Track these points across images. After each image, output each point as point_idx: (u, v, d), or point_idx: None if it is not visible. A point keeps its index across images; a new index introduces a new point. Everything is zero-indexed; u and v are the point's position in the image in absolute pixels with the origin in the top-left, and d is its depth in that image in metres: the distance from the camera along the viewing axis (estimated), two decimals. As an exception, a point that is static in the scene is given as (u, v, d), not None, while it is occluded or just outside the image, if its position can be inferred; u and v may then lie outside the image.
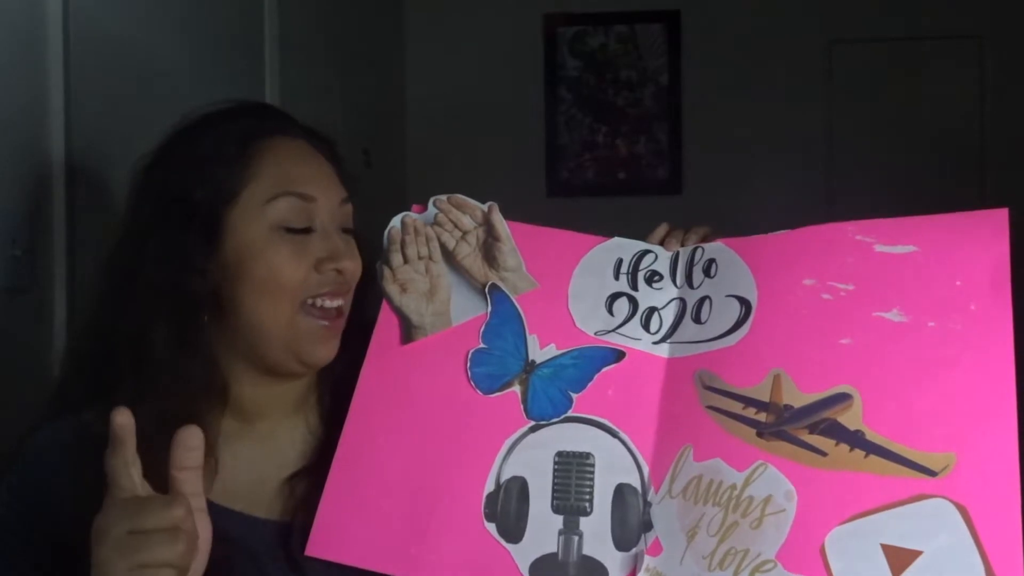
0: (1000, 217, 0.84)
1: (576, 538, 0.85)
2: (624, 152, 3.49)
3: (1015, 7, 3.27)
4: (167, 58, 1.62)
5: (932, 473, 0.77)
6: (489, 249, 0.96)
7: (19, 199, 1.23)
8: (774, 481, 0.81)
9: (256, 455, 0.95)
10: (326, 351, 0.93)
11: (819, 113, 3.41)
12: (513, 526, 0.86)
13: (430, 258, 0.97)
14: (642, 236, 0.98)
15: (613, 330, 0.92)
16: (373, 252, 0.98)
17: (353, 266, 0.93)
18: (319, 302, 0.91)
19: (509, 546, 0.86)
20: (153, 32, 1.58)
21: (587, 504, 0.86)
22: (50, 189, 1.29)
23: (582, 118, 3.50)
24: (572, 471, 0.87)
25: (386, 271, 0.97)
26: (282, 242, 0.91)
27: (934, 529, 0.76)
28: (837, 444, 0.80)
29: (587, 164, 3.50)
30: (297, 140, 0.96)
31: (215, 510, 0.88)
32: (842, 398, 0.82)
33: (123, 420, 0.71)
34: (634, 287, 0.94)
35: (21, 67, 1.24)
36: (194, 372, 0.90)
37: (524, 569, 0.85)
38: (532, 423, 0.90)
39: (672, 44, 3.46)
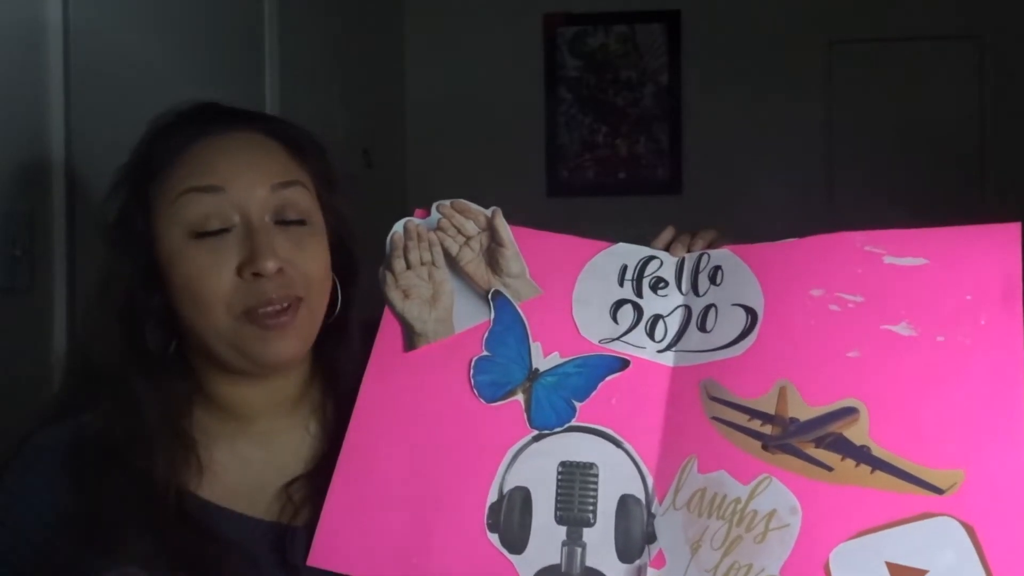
0: (1012, 231, 0.82)
1: (580, 549, 0.85)
2: (624, 152, 3.49)
3: (1015, 7, 3.27)
4: (167, 58, 1.62)
5: (939, 491, 0.76)
6: (492, 254, 0.95)
7: (19, 199, 1.24)
8: (779, 495, 0.80)
9: (256, 456, 0.94)
10: (279, 350, 0.87)
11: (819, 113, 3.41)
12: (516, 537, 0.86)
13: (433, 264, 0.95)
14: (642, 236, 0.97)
15: (618, 338, 0.92)
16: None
17: (274, 265, 0.85)
18: (259, 311, 0.86)
19: (512, 557, 0.85)
20: (153, 32, 1.58)
21: (591, 515, 0.85)
22: (50, 189, 1.30)
23: (582, 118, 3.50)
24: (576, 481, 0.87)
25: (388, 277, 0.96)
26: (197, 248, 0.86)
27: (940, 548, 0.75)
28: (843, 459, 0.80)
29: (587, 164, 3.50)
30: (228, 133, 0.90)
31: (214, 511, 0.89)
32: (848, 412, 0.81)
33: None
34: (639, 294, 0.93)
35: (21, 67, 1.25)
36: (166, 383, 0.90)
37: None
38: (535, 432, 0.89)
39: (672, 44, 3.46)
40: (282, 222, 0.89)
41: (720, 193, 3.26)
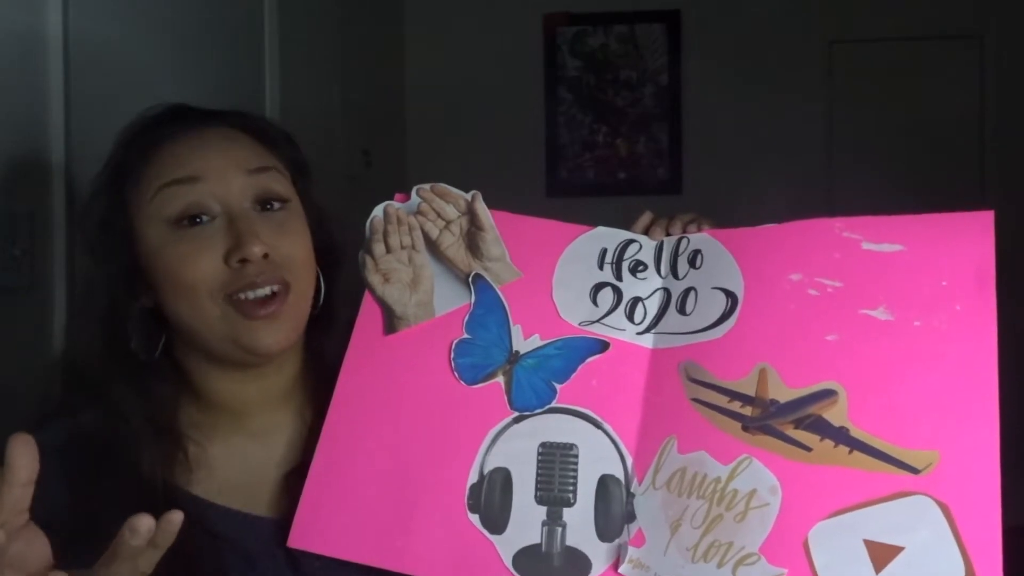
0: (986, 219, 0.83)
1: (559, 529, 0.85)
2: (624, 152, 3.50)
3: (1015, 7, 3.27)
4: (167, 58, 1.62)
5: (915, 470, 0.77)
6: (472, 238, 0.95)
7: (19, 199, 1.24)
8: (759, 475, 0.81)
9: (252, 451, 0.94)
10: (271, 338, 0.88)
11: (819, 113, 3.42)
12: (496, 517, 0.86)
13: (413, 248, 0.96)
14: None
15: (597, 320, 0.92)
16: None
17: (260, 250, 0.86)
18: (244, 295, 0.86)
19: (492, 537, 0.86)
20: (153, 32, 1.59)
21: (571, 495, 0.86)
22: (50, 189, 1.30)
23: (582, 118, 3.51)
24: (556, 462, 0.87)
25: (368, 261, 0.96)
26: (178, 238, 0.87)
27: (916, 526, 0.76)
28: (822, 440, 0.81)
29: (587, 164, 3.51)
30: (199, 130, 0.91)
31: (210, 508, 0.89)
32: (827, 394, 0.82)
33: None
34: (618, 277, 0.93)
35: (21, 68, 1.25)
36: (157, 384, 0.90)
37: (507, 560, 0.85)
38: (516, 414, 0.89)
39: (672, 44, 3.48)
40: (262, 208, 0.90)
41: (720, 193, 3.27)
